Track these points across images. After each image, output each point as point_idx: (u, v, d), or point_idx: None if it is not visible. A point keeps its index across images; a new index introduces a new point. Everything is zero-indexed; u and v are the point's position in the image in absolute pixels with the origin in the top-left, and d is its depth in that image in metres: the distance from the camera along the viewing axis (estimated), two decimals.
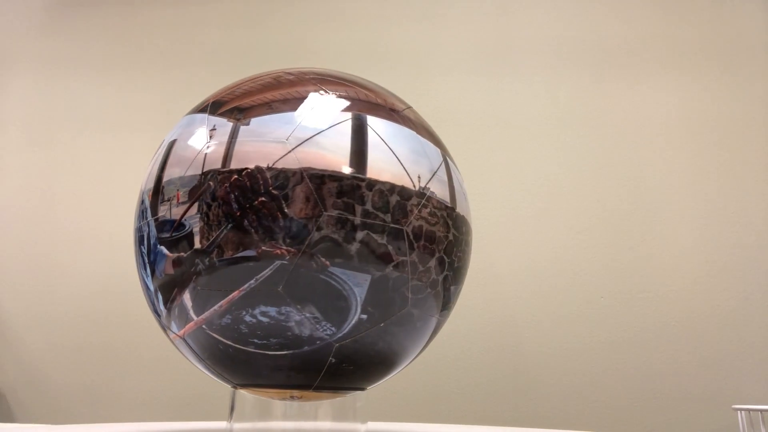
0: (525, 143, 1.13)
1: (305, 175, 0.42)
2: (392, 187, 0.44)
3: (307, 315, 0.42)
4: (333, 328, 0.43)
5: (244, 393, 0.50)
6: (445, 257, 0.47)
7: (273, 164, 0.42)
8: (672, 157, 1.09)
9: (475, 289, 1.04)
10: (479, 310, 1.05)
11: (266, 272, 0.41)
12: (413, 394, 1.00)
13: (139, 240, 0.48)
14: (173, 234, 0.44)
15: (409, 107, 0.53)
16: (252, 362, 0.45)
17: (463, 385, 1.02)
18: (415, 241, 0.44)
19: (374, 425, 0.64)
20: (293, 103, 0.46)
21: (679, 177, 1.07)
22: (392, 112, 0.49)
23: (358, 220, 0.42)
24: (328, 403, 0.53)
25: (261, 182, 0.42)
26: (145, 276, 0.48)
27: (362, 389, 0.54)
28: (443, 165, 0.49)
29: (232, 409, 0.50)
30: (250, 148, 0.43)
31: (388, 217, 0.43)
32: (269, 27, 1.26)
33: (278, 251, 0.41)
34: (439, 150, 0.50)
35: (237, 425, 0.50)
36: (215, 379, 0.50)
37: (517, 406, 1.01)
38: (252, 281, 0.42)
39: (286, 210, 0.41)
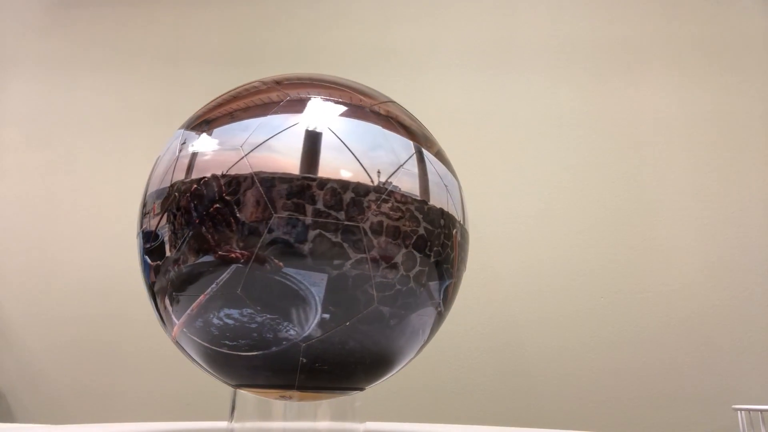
0: (525, 143, 1.13)
1: (256, 179, 0.43)
2: (346, 185, 0.43)
3: (268, 316, 0.43)
4: (296, 329, 0.43)
5: (244, 393, 0.52)
6: (415, 252, 0.46)
7: (227, 171, 0.44)
8: (672, 156, 1.09)
9: (475, 289, 1.04)
10: (479, 309, 1.04)
11: (225, 276, 0.43)
12: (413, 394, 0.98)
13: (139, 250, 0.51)
14: (151, 244, 0.47)
15: (386, 102, 0.52)
16: (230, 363, 0.47)
17: (463, 385, 1.00)
18: (374, 238, 0.44)
19: (373, 425, 0.64)
20: (254, 110, 0.47)
21: (679, 176, 1.07)
22: (357, 108, 0.48)
23: (309, 219, 0.42)
24: (326, 403, 0.53)
25: (216, 189, 0.43)
26: (144, 283, 0.51)
27: (361, 389, 0.53)
28: (414, 158, 0.48)
29: (232, 409, 0.52)
30: (210, 157, 0.45)
31: (341, 215, 0.43)
32: (269, 27, 1.27)
33: (233, 255, 0.42)
34: (412, 143, 0.49)
35: (237, 425, 0.52)
36: (214, 379, 0.52)
37: (517, 406, 0.99)
38: (214, 285, 0.43)
39: (238, 215, 0.43)
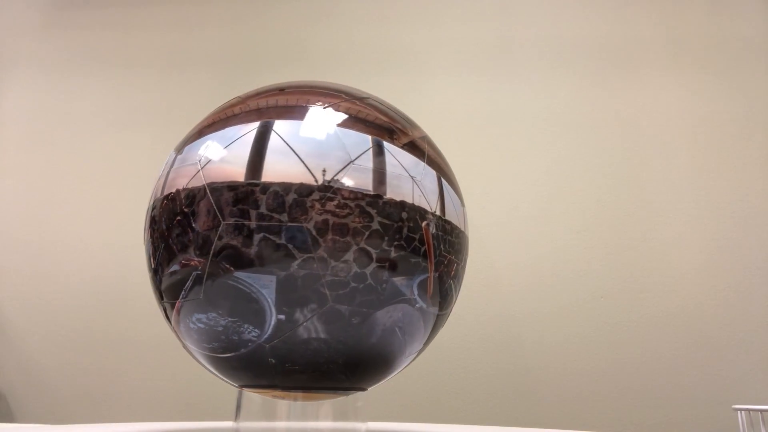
0: (525, 143, 1.11)
1: (208, 189, 0.45)
2: (288, 187, 0.44)
3: (229, 319, 0.45)
4: (256, 330, 0.45)
5: (250, 393, 0.55)
6: (369, 248, 0.45)
7: (186, 185, 0.47)
8: (672, 156, 1.08)
9: (476, 289, 1.03)
10: (479, 310, 1.02)
11: (189, 283, 0.46)
12: (413, 394, 0.94)
13: None
14: (146, 256, 0.52)
15: (362, 98, 0.51)
16: (216, 364, 0.49)
17: (463, 385, 0.95)
18: (319, 237, 0.44)
19: (374, 425, 0.62)
20: (217, 125, 0.50)
21: (679, 176, 1.07)
22: (311, 110, 0.48)
23: (253, 224, 0.44)
24: (328, 403, 0.54)
25: (178, 203, 0.47)
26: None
27: (362, 389, 0.53)
28: (369, 152, 0.47)
29: (238, 408, 0.55)
30: (177, 174, 0.49)
31: (284, 217, 0.43)
32: (269, 27, 1.27)
33: (193, 263, 0.45)
34: (369, 137, 0.48)
35: (242, 425, 0.54)
36: (214, 378, 0.55)
37: (517, 406, 0.94)
38: (183, 292, 0.46)
39: (194, 225, 0.45)
